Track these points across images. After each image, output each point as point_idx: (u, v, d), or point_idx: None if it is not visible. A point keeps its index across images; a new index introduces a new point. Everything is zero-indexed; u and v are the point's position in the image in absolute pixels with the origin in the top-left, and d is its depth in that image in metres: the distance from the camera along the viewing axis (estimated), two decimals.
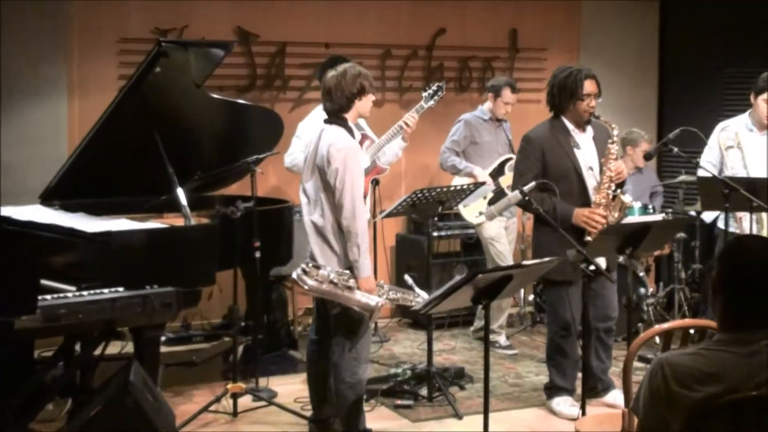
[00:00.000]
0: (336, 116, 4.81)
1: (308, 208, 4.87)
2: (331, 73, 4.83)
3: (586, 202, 5.39)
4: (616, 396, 5.63)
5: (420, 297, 4.95)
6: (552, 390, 5.67)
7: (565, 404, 5.59)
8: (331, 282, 4.65)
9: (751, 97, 6.25)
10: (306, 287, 4.68)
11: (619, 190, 5.39)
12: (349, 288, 4.67)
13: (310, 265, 4.69)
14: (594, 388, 5.65)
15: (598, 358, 5.69)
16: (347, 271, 4.71)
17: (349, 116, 4.83)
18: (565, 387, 5.62)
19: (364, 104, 4.85)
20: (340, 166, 4.65)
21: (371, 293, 4.72)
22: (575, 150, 5.43)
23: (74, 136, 6.96)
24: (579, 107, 5.39)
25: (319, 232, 4.78)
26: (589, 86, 5.37)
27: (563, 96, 5.42)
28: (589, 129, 5.51)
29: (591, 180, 5.43)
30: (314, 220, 4.81)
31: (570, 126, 5.46)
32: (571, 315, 5.37)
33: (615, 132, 5.36)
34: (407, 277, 5.09)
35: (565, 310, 5.40)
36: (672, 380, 2.57)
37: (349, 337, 4.83)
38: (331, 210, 4.73)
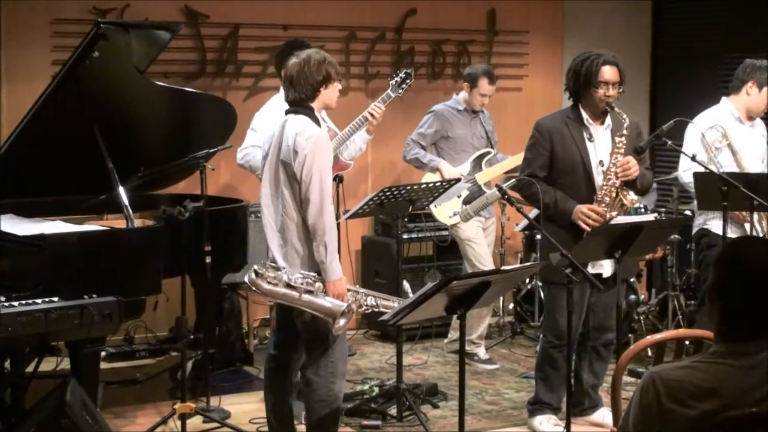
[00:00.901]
0: (300, 105, 4.82)
1: (269, 206, 4.87)
2: (293, 60, 4.85)
3: (592, 198, 5.46)
4: (604, 414, 5.70)
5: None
6: (536, 407, 5.71)
7: (548, 423, 5.63)
8: (288, 285, 4.65)
9: (749, 86, 6.27)
10: (260, 292, 4.68)
11: (621, 190, 5.41)
12: (310, 292, 4.66)
13: (267, 265, 4.69)
14: (580, 404, 5.72)
15: (591, 372, 5.76)
16: (313, 274, 4.71)
17: (314, 106, 4.85)
18: (550, 404, 5.67)
19: (330, 93, 4.87)
20: (309, 155, 4.65)
21: (342, 299, 4.70)
22: (588, 143, 5.49)
23: (1, 128, 6.91)
24: (595, 95, 5.43)
25: (281, 232, 4.79)
26: (606, 73, 5.40)
27: (578, 82, 5.48)
28: (608, 121, 5.55)
29: (599, 176, 5.49)
30: (275, 219, 4.82)
31: (585, 116, 5.51)
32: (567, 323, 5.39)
33: (626, 124, 5.40)
34: (405, 283, 5.05)
35: (562, 317, 5.43)
36: (664, 396, 2.60)
37: (324, 349, 4.82)
38: (295, 207, 4.72)
